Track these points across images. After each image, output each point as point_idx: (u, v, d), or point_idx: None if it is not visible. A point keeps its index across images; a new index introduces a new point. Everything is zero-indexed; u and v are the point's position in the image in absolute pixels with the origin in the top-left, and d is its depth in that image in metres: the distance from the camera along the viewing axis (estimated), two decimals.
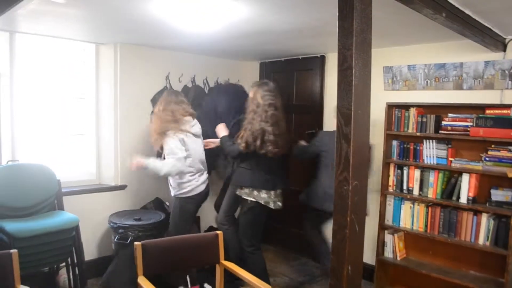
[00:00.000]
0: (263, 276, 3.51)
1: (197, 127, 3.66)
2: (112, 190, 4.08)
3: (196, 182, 3.58)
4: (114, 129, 4.07)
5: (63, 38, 3.76)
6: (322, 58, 4.38)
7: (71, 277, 3.38)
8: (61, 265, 3.45)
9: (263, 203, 3.45)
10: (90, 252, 3.90)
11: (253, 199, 3.46)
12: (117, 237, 3.58)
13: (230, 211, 3.84)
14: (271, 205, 3.47)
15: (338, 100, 1.68)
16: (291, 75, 4.69)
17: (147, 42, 3.98)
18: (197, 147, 3.63)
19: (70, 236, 3.20)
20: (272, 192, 3.47)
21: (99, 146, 4.18)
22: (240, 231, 3.64)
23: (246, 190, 3.48)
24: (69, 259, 3.36)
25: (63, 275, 3.45)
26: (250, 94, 3.51)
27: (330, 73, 4.36)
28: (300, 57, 4.56)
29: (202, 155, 3.69)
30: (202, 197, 3.67)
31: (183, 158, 3.41)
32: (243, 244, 3.61)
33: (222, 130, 3.71)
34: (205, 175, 3.70)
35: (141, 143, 4.09)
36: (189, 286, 3.62)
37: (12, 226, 2.92)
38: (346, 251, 1.72)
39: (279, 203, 3.54)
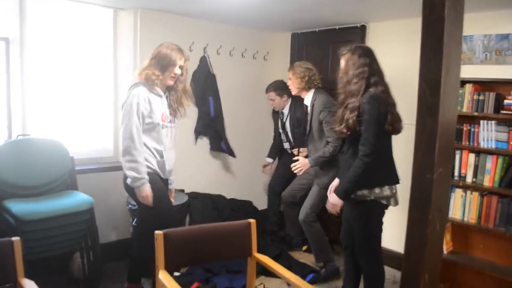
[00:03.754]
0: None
1: None
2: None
3: None
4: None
5: (78, 1, 3.41)
6: (363, 29, 3.93)
7: (86, 262, 3.09)
8: (75, 249, 3.16)
9: (384, 203, 2.63)
10: (105, 235, 3.60)
11: (371, 198, 2.61)
12: (135, 220, 3.28)
13: (319, 208, 3.48)
14: (392, 203, 2.65)
15: (422, 62, 1.29)
16: (326, 48, 4.27)
17: (171, 8, 3.62)
18: None
19: (84, 219, 2.89)
20: (395, 186, 2.67)
21: (117, 119, 3.83)
22: (356, 236, 2.79)
23: (365, 191, 2.61)
24: (83, 243, 3.06)
25: (76, 260, 3.17)
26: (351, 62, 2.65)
27: (372, 46, 3.91)
28: (337, 27, 4.13)
29: None
30: None
31: None
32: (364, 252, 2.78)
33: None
34: None
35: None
36: None
37: (19, 207, 2.62)
38: (424, 256, 1.37)
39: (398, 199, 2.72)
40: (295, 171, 3.43)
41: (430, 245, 1.34)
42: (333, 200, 2.71)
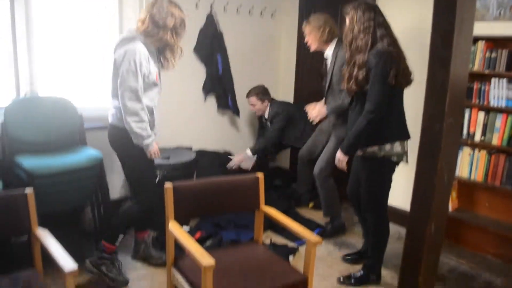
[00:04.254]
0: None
1: None
2: None
3: None
4: None
5: None
6: None
7: (96, 217, 3.17)
8: (86, 204, 3.23)
9: (395, 160, 2.65)
10: (115, 191, 3.68)
11: (382, 155, 2.61)
12: None
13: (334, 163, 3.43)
14: (404, 160, 2.66)
15: (435, 15, 1.27)
16: (335, 8, 4.14)
17: None
18: None
19: (93, 174, 2.94)
20: (406, 143, 2.67)
21: None
22: (365, 192, 2.81)
23: (375, 148, 2.62)
24: (93, 198, 3.13)
25: (87, 215, 3.24)
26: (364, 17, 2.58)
27: (383, 5, 3.82)
28: None
29: None
30: None
31: None
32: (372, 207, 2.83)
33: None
34: None
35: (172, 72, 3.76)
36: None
37: (31, 162, 2.67)
38: (431, 205, 1.38)
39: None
40: (311, 119, 3.39)
41: (438, 194, 1.35)
42: (338, 155, 2.73)
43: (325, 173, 3.47)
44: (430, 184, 1.28)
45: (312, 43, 3.38)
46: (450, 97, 1.27)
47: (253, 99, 4.18)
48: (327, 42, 3.34)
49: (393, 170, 2.73)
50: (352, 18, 2.61)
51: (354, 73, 2.55)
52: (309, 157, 3.85)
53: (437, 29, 1.29)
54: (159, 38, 2.65)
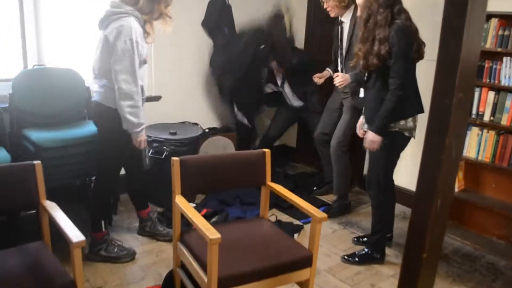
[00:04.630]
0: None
1: None
2: (146, 101, 3.76)
3: None
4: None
5: None
6: None
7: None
8: (93, 178, 3.25)
9: (407, 135, 2.67)
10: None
11: (396, 130, 2.63)
12: (151, 151, 3.35)
13: (351, 133, 3.43)
14: (414, 135, 2.69)
15: None
16: None
17: None
18: None
19: None
20: (417, 118, 2.68)
21: None
22: (373, 166, 2.85)
23: (401, 122, 2.63)
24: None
25: None
26: None
27: None
28: None
29: None
30: None
31: None
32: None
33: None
34: None
35: (179, 47, 3.74)
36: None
37: (38, 135, 2.69)
38: (437, 181, 1.37)
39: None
40: (336, 84, 3.27)
41: (445, 170, 1.33)
42: (372, 137, 2.63)
43: (343, 147, 3.47)
44: (438, 160, 1.27)
45: (333, 9, 3.35)
46: (461, 71, 1.25)
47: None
48: (347, 7, 3.32)
49: (405, 146, 2.73)
50: None
51: (376, 48, 2.51)
52: (324, 137, 3.72)
53: None
54: (153, 10, 2.52)
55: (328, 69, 3.71)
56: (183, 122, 3.95)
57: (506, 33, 2.97)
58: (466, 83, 1.31)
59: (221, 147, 3.94)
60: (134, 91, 2.47)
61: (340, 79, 3.24)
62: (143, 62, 2.60)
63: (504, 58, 2.99)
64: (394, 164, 2.80)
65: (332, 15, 3.41)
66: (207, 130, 4.05)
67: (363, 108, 2.87)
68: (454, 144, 1.34)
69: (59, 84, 3.04)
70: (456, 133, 1.33)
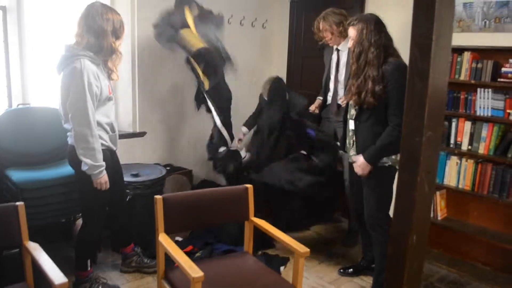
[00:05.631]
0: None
1: None
2: (131, 137, 3.80)
3: None
4: (131, 67, 3.73)
5: None
6: None
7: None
8: (77, 216, 3.24)
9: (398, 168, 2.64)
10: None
11: (389, 164, 2.66)
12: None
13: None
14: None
15: (413, 27, 1.31)
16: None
17: None
18: None
19: None
20: None
21: (116, 89, 3.85)
22: (372, 204, 2.73)
23: (384, 158, 2.64)
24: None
25: (79, 226, 3.24)
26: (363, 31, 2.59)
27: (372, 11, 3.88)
28: None
29: None
30: None
31: None
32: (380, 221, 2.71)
33: None
34: None
35: (164, 82, 3.80)
36: None
37: (20, 175, 2.70)
38: (412, 216, 1.41)
39: None
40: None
41: (418, 206, 1.38)
42: (361, 163, 2.64)
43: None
44: (411, 197, 1.31)
45: (333, 38, 3.41)
46: (429, 110, 1.31)
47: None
48: (344, 37, 3.37)
49: (394, 179, 2.68)
50: (361, 31, 2.59)
51: (369, 86, 2.53)
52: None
53: (416, 42, 1.33)
54: (102, 47, 2.51)
55: (319, 97, 3.76)
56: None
57: (479, 65, 3.08)
58: (435, 122, 1.37)
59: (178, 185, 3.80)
60: (88, 134, 2.43)
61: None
62: (107, 99, 2.60)
63: (478, 90, 3.10)
64: (392, 198, 2.72)
65: (331, 44, 3.48)
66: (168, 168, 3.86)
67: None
68: (425, 180, 1.39)
69: (43, 124, 3.05)
70: (427, 170, 1.39)
